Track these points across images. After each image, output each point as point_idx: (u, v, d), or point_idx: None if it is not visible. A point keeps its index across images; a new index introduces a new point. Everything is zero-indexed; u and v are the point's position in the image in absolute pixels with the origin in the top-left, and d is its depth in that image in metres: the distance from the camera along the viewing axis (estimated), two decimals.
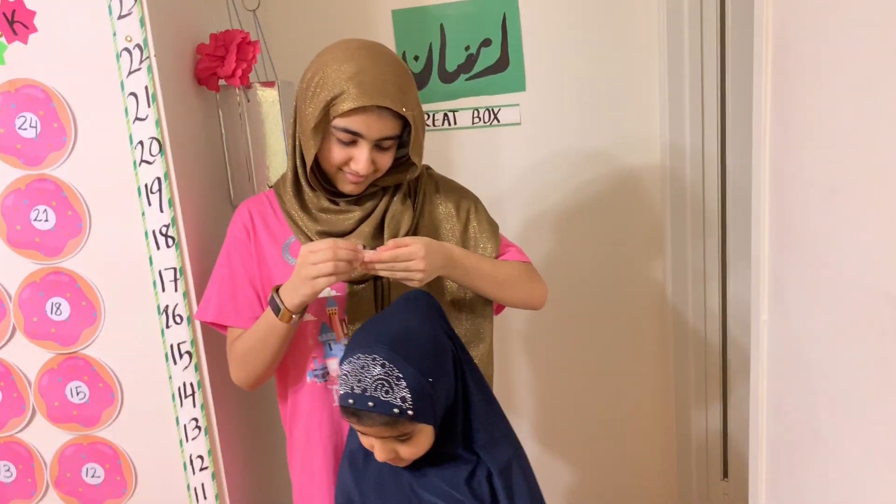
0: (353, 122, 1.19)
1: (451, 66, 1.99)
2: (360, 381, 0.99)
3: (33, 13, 1.29)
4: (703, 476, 2.17)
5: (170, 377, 1.42)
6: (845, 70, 1.03)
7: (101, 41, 1.29)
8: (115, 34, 1.29)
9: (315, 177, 1.28)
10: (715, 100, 1.92)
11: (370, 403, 0.98)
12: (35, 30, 1.30)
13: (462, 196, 1.41)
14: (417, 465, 1.10)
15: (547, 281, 2.07)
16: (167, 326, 1.40)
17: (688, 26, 1.86)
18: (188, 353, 1.40)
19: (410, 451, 1.05)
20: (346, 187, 1.28)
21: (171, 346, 1.40)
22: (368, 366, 0.99)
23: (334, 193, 1.31)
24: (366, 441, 1.08)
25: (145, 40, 1.29)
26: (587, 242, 2.07)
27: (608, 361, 2.14)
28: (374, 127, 1.20)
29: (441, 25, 1.97)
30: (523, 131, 2.02)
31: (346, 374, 1.01)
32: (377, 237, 1.30)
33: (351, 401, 1.00)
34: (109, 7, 1.28)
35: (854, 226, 1.04)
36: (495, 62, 1.99)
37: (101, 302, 1.40)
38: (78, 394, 1.44)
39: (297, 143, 1.27)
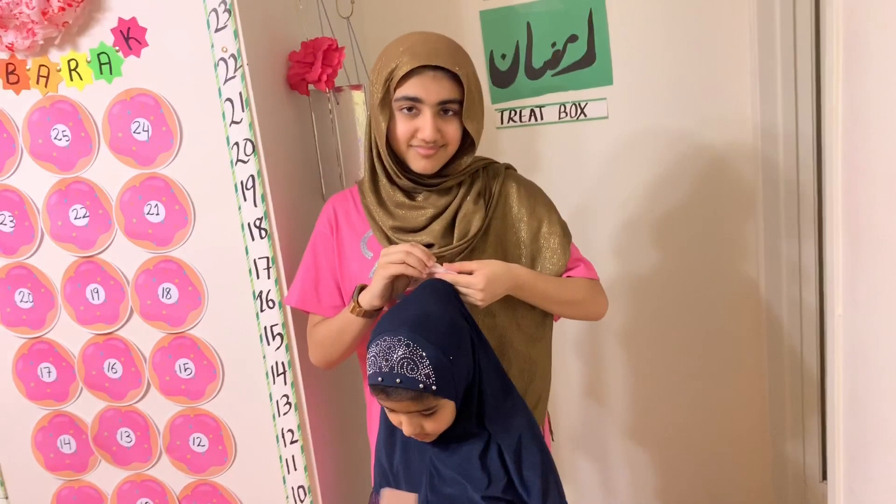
0: (410, 88, 1.27)
1: (537, 63, 2.04)
2: (387, 360, 1.08)
3: (145, 29, 1.46)
4: (800, 478, 2.11)
5: (264, 356, 1.55)
6: None
7: (202, 53, 1.44)
8: (212, 46, 1.43)
9: (392, 162, 1.35)
10: (809, 80, 1.86)
11: (398, 380, 1.07)
12: (146, 44, 1.46)
13: (538, 202, 1.43)
14: (439, 442, 1.18)
15: (637, 275, 2.10)
16: (261, 310, 1.53)
17: (779, 8, 1.82)
18: (280, 335, 1.53)
19: (434, 426, 1.14)
20: (419, 163, 1.33)
21: (265, 328, 1.54)
22: (394, 346, 1.08)
23: (411, 182, 1.37)
24: (395, 418, 1.16)
25: (239, 51, 1.42)
26: (678, 234, 2.06)
27: (701, 358, 2.12)
28: (430, 89, 1.27)
29: (528, 23, 2.02)
30: (611, 125, 2.03)
31: (374, 356, 1.11)
32: (447, 235, 1.36)
33: (380, 378, 1.09)
34: (207, 22, 1.42)
35: None
36: (582, 57, 2.01)
37: (205, 287, 1.55)
38: (185, 370, 1.60)
39: (372, 137, 1.36)
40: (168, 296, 1.57)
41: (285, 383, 1.56)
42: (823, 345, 2.04)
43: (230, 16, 1.41)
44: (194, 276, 1.55)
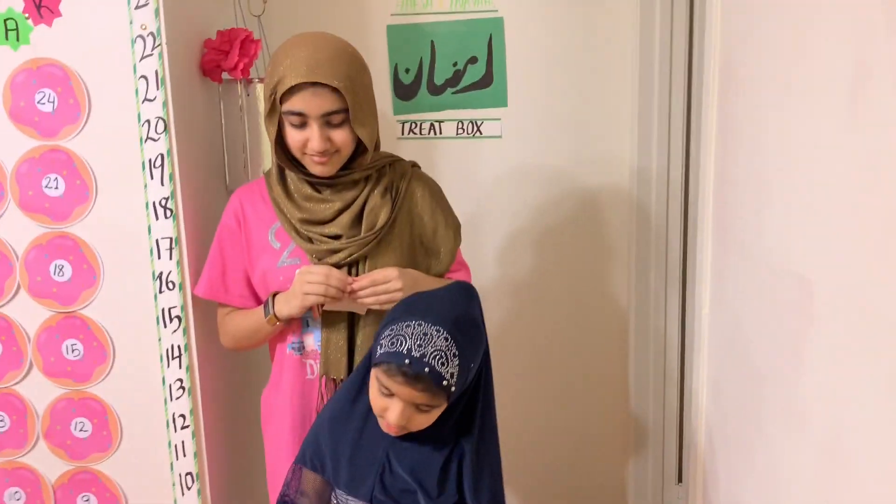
0: (294, 103, 1.32)
1: (439, 80, 2.14)
2: (420, 346, 1.08)
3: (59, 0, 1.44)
4: (658, 480, 2.27)
5: (159, 339, 1.53)
6: (768, 88, 1.18)
7: (119, 28, 1.44)
8: (131, 22, 1.43)
9: (292, 165, 1.41)
10: (681, 126, 2.06)
11: (426, 369, 1.07)
12: (60, 14, 1.45)
13: (438, 204, 1.52)
14: (401, 436, 1.18)
15: (516, 283, 2.22)
16: (160, 291, 1.52)
17: (658, 55, 2.01)
18: (178, 317, 1.52)
19: (423, 421, 1.14)
20: (315, 169, 1.39)
21: (163, 309, 1.52)
22: (433, 336, 1.09)
23: (317, 182, 1.43)
24: (381, 402, 1.14)
25: (158, 29, 1.43)
26: (557, 249, 2.20)
27: (571, 371, 2.26)
28: (313, 103, 1.31)
29: (432, 42, 2.12)
30: (503, 144, 2.16)
31: (402, 336, 1.10)
32: (355, 226, 1.42)
33: (408, 361, 1.07)
34: None
35: (774, 215, 1.18)
36: (480, 78, 2.14)
37: (101, 266, 1.52)
38: (73, 351, 1.56)
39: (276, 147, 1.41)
40: (60, 273, 1.53)
41: (180, 367, 1.54)
42: (684, 361, 2.23)
43: None
44: (91, 254, 1.52)
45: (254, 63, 1.62)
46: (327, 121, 1.33)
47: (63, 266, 1.53)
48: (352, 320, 1.43)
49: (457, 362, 1.10)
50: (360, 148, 1.42)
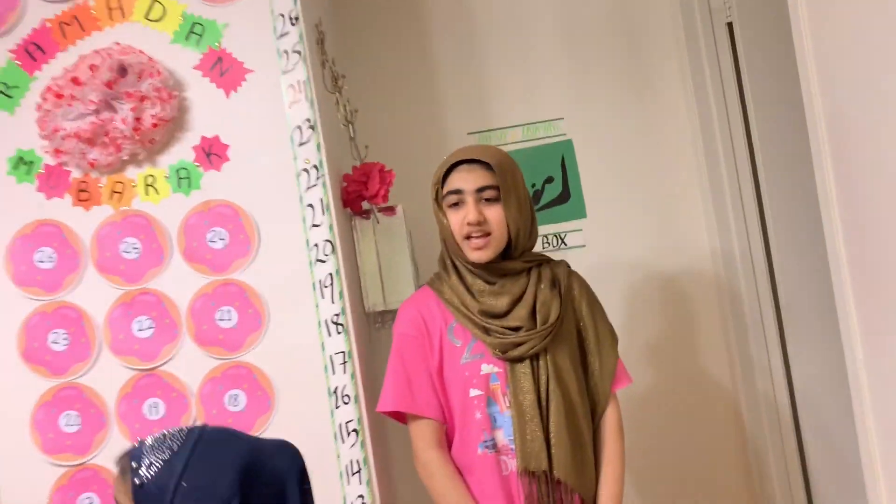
0: (451, 182, 1.48)
1: None
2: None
3: (227, 146, 1.59)
4: None
5: (338, 455, 1.55)
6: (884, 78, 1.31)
7: (284, 165, 1.58)
8: (295, 158, 1.58)
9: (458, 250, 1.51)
10: (752, 198, 2.21)
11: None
12: (227, 159, 1.59)
13: (592, 302, 1.60)
14: None
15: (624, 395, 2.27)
16: (336, 407, 1.56)
17: (721, 144, 2.20)
18: (355, 430, 1.55)
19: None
20: (473, 255, 1.48)
21: (340, 424, 1.56)
22: None
23: (486, 277, 1.51)
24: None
25: (321, 161, 1.58)
26: (654, 348, 2.28)
27: (689, 461, 2.27)
28: (468, 179, 1.46)
29: None
30: (588, 252, 2.30)
31: None
32: (531, 318, 1.48)
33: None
34: (291, 137, 1.58)
35: None
36: (558, 195, 2.31)
37: (275, 390, 1.57)
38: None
39: (444, 242, 1.52)
40: (235, 403, 1.57)
41: (360, 482, 1.55)
42: (804, 454, 2.23)
43: (314, 131, 1.58)
44: (264, 379, 1.57)
45: (390, 190, 1.77)
46: (481, 196, 1.46)
47: (237, 395, 1.57)
48: (543, 408, 1.46)
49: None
50: (511, 246, 1.51)
